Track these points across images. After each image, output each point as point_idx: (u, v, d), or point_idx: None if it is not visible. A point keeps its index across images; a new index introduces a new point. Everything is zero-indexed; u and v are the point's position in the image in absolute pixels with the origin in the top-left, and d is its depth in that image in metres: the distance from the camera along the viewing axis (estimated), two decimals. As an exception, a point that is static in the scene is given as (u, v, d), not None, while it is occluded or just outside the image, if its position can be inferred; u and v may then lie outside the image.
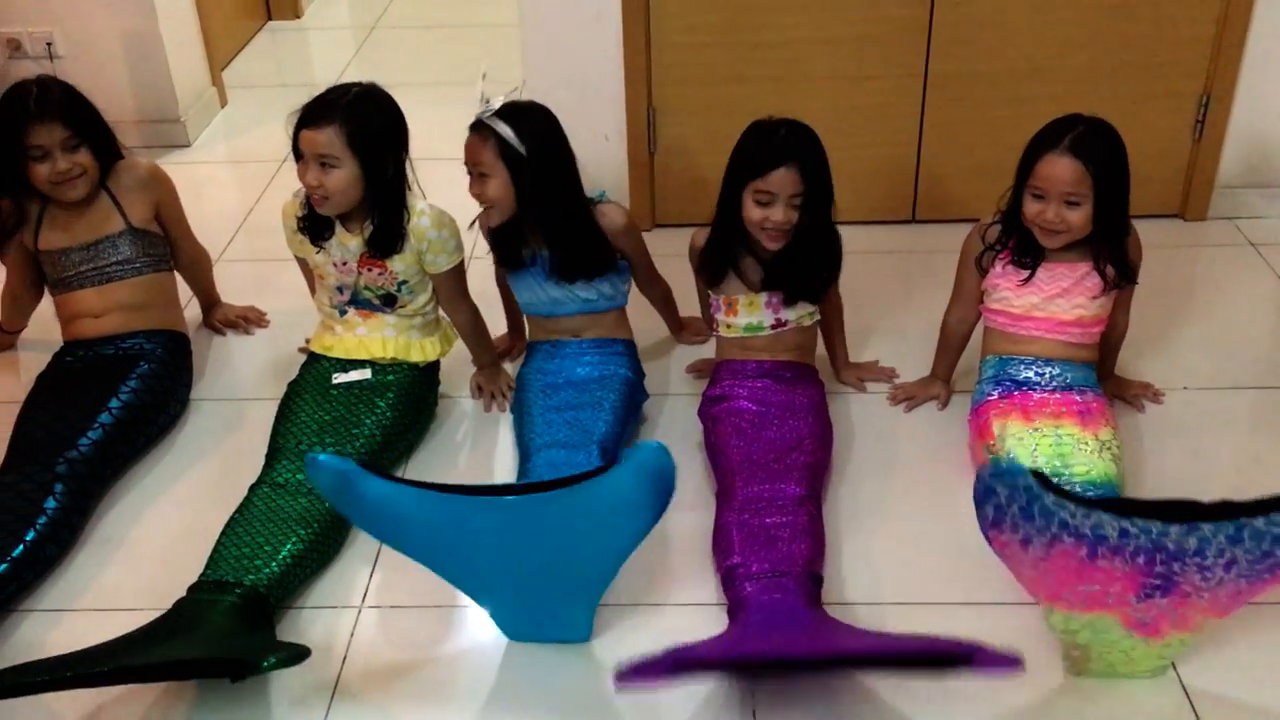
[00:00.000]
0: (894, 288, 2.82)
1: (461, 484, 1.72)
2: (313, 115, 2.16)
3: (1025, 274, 2.19)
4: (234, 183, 3.51)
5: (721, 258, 2.23)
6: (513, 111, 2.17)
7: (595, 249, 2.27)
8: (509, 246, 2.30)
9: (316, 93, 2.21)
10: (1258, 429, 2.38)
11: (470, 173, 2.21)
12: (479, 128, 2.17)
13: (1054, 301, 2.19)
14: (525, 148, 2.15)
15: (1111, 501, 1.66)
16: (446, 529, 1.71)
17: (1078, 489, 1.95)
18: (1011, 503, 1.60)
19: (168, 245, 2.53)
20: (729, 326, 2.29)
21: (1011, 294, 2.22)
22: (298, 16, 4.85)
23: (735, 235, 2.20)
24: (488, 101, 2.17)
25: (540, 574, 1.77)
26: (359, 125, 2.15)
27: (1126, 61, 2.89)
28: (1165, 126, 2.95)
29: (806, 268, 2.21)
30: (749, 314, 2.25)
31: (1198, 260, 2.94)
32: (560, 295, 2.33)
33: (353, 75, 3.34)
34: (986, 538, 1.65)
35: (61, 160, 2.31)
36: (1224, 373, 2.50)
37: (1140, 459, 2.23)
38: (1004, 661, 1.59)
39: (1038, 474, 1.60)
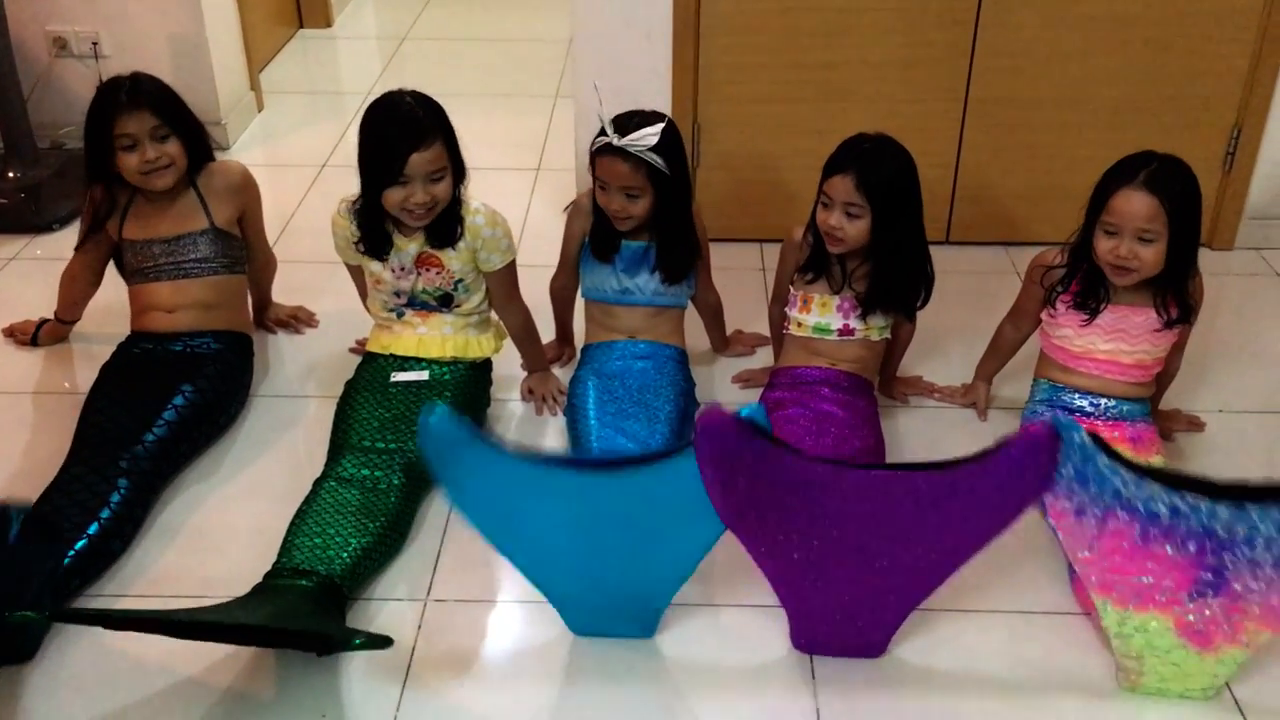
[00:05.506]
0: (928, 307, 2.87)
1: (562, 455, 1.73)
2: (414, 137, 2.17)
3: (1086, 316, 2.20)
4: (273, 186, 3.54)
5: (816, 256, 2.31)
6: (665, 142, 2.26)
7: (694, 249, 2.42)
8: (611, 239, 2.40)
9: (344, 99, 2.23)
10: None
11: (607, 187, 2.30)
12: (628, 156, 2.25)
13: (1116, 344, 2.20)
14: (669, 170, 2.28)
15: (1162, 473, 1.67)
16: (544, 501, 1.74)
17: None
18: (1066, 461, 1.62)
19: (244, 248, 2.57)
20: (799, 325, 2.35)
21: (1072, 333, 2.23)
22: (328, 25, 4.91)
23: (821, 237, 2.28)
24: (613, 124, 2.26)
25: (620, 563, 1.81)
26: (448, 132, 2.23)
27: (1162, 92, 2.97)
28: (1196, 157, 2.93)
29: (887, 282, 2.28)
30: (821, 314, 2.32)
31: (1225, 288, 3.01)
32: (632, 285, 2.42)
33: (384, 85, 3.37)
34: (1042, 505, 1.69)
35: (150, 149, 2.34)
36: (1256, 397, 2.57)
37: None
38: (1038, 433, 1.59)
39: (1093, 434, 1.61)
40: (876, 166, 2.19)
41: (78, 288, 2.62)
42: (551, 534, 1.79)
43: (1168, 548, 1.66)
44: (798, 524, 1.72)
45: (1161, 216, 2.05)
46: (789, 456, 1.64)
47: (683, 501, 1.69)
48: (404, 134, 2.17)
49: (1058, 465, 1.64)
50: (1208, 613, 1.72)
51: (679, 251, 2.40)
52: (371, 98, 2.28)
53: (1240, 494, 1.61)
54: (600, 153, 2.29)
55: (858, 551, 1.74)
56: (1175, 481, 1.64)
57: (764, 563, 1.81)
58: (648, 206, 2.32)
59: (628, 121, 2.27)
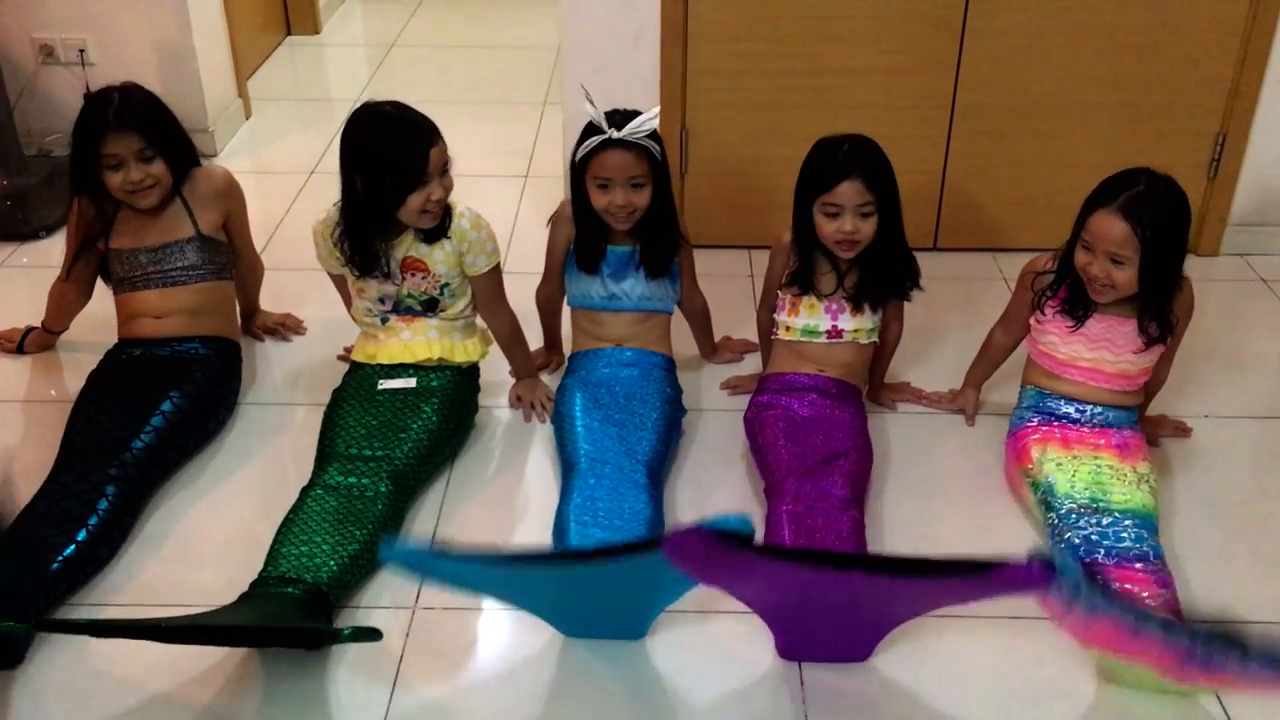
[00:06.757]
0: (915, 313, 2.87)
1: (527, 552, 1.82)
2: (426, 135, 2.21)
3: (1072, 323, 2.21)
4: (261, 194, 3.54)
5: (803, 271, 2.33)
6: (655, 133, 2.29)
7: (675, 245, 2.43)
8: (596, 245, 2.39)
9: (332, 106, 2.25)
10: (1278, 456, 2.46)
11: (609, 184, 2.28)
12: (630, 145, 2.25)
13: (1100, 353, 2.21)
14: (662, 158, 2.31)
15: (1159, 619, 1.68)
16: (518, 587, 1.86)
17: (1116, 517, 2.00)
18: (1059, 590, 1.57)
19: (230, 254, 2.56)
20: (787, 328, 2.36)
21: (1058, 339, 2.24)
22: (316, 32, 4.91)
23: (811, 246, 2.30)
24: (605, 117, 2.27)
25: (607, 609, 1.86)
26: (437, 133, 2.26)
27: (1147, 99, 2.99)
28: (1181, 164, 3.01)
29: (879, 271, 2.30)
30: (809, 315, 2.33)
31: (1210, 295, 3.02)
32: (619, 290, 2.42)
33: (372, 92, 3.36)
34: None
35: (135, 170, 2.34)
36: (1241, 402, 2.58)
37: (1170, 484, 2.30)
38: (1030, 570, 1.51)
39: (1088, 572, 1.63)
40: (874, 163, 2.22)
41: (66, 303, 2.62)
42: (533, 600, 1.89)
43: (1158, 643, 1.66)
44: (776, 594, 1.77)
45: (1133, 243, 2.06)
46: (766, 561, 1.65)
47: (660, 577, 1.70)
48: (416, 136, 2.20)
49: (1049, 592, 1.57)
50: (1194, 675, 1.73)
51: (663, 244, 2.40)
52: (359, 104, 2.27)
53: (1232, 640, 1.60)
54: (598, 150, 2.26)
55: (838, 608, 1.78)
56: (1169, 624, 1.65)
57: (744, 601, 1.85)
58: (649, 196, 2.32)
59: (613, 115, 2.28)
